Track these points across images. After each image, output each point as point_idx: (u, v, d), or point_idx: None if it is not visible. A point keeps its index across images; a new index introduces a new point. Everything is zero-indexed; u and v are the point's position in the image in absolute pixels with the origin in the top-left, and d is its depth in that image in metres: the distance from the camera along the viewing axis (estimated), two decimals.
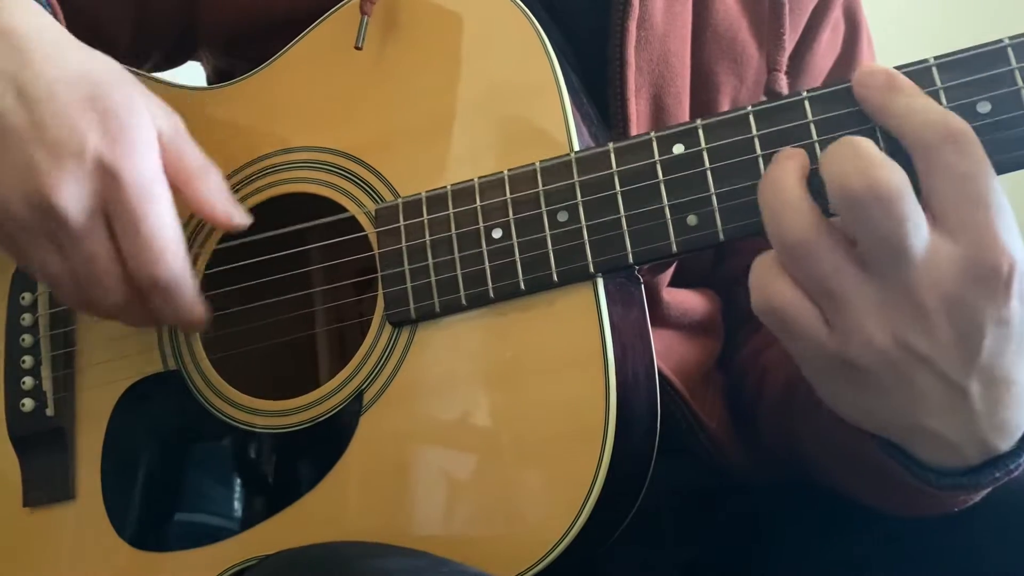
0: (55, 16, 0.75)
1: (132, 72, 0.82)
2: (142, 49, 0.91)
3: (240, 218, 0.73)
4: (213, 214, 0.72)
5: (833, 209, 0.55)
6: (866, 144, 0.54)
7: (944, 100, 0.59)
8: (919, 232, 0.53)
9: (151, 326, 0.77)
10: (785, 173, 0.57)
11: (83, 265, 0.68)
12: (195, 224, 0.79)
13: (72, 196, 0.65)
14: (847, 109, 0.60)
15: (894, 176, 0.53)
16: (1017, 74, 0.58)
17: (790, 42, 0.84)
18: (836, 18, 0.90)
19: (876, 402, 0.58)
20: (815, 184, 0.57)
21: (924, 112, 0.55)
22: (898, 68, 0.61)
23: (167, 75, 0.88)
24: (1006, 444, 0.60)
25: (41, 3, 0.74)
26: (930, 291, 0.54)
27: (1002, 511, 0.69)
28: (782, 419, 0.78)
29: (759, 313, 0.58)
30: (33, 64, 0.67)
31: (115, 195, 0.66)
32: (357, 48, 0.75)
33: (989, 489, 0.64)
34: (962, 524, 0.68)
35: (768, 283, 0.57)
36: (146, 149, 0.68)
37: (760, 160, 0.62)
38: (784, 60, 0.82)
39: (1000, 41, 0.59)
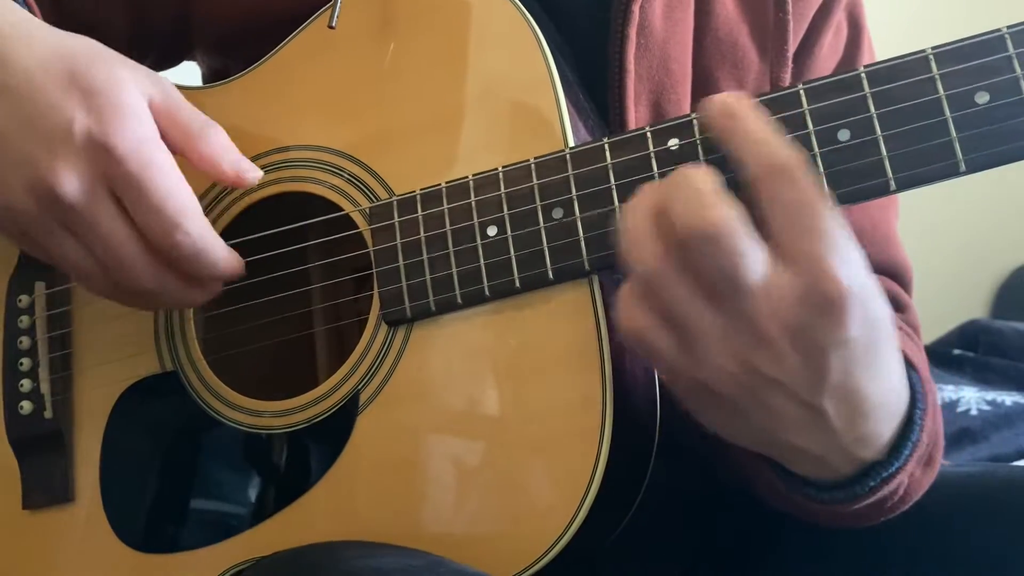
0: (30, 11, 0.75)
1: None
2: (137, 50, 0.89)
3: (251, 173, 0.72)
4: (221, 171, 0.71)
5: (675, 245, 0.57)
6: (702, 179, 0.56)
7: (941, 89, 0.58)
8: (753, 266, 0.55)
9: (192, 303, 0.74)
10: (639, 204, 0.59)
11: (103, 248, 0.67)
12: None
13: (72, 180, 0.65)
14: (841, 98, 0.59)
15: (723, 216, 0.55)
16: (1016, 62, 0.57)
17: (792, 50, 0.83)
18: (839, 20, 0.89)
19: (740, 422, 0.61)
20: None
21: (758, 145, 0.57)
22: (895, 58, 0.60)
23: (163, 75, 0.87)
24: (873, 454, 0.63)
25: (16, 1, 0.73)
26: (770, 319, 0.56)
27: (1010, 508, 0.69)
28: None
29: (624, 340, 0.61)
30: (7, 57, 0.66)
31: (114, 170, 0.65)
32: (330, 27, 0.74)
33: (895, 497, 0.66)
34: (967, 522, 0.67)
35: (629, 309, 0.59)
36: (135, 118, 0.66)
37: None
38: (787, 76, 0.82)
39: (998, 30, 0.58)
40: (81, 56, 0.67)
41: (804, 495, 0.66)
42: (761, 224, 0.56)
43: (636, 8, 0.77)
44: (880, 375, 0.59)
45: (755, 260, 0.55)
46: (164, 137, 0.68)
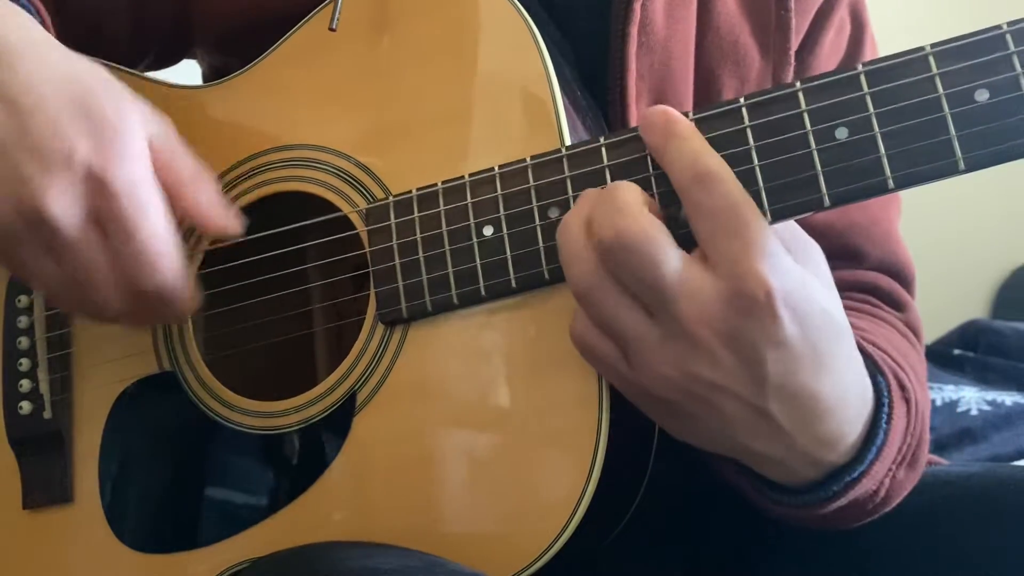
0: (42, 22, 0.75)
1: (125, 72, 0.82)
2: (138, 48, 0.90)
3: (234, 227, 0.73)
4: (206, 223, 0.72)
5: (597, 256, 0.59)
6: (622, 192, 0.59)
7: (940, 86, 0.58)
8: (671, 272, 0.57)
9: (148, 327, 0.77)
10: (571, 222, 0.61)
11: (78, 273, 0.68)
12: (188, 224, 0.78)
13: (63, 205, 0.65)
14: (840, 98, 0.59)
15: (637, 222, 0.57)
16: (1016, 59, 0.57)
17: (794, 48, 0.83)
18: (842, 18, 0.89)
19: (694, 427, 0.62)
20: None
21: (680, 156, 0.59)
22: (894, 56, 0.60)
23: (162, 74, 0.87)
24: (836, 456, 0.63)
25: (29, 10, 0.73)
26: (700, 324, 0.57)
27: (1010, 509, 0.69)
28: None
29: (577, 351, 0.63)
30: (19, 72, 0.66)
31: (106, 204, 0.66)
32: (331, 30, 0.74)
33: (876, 499, 0.66)
34: (968, 522, 0.67)
35: (576, 322, 0.62)
36: (136, 156, 0.67)
37: (753, 151, 0.61)
38: (790, 75, 0.82)
39: (998, 27, 0.57)
40: (93, 85, 0.67)
41: (775, 499, 0.66)
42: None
43: (638, 6, 0.77)
44: (831, 375, 0.59)
45: (672, 265, 0.57)
46: (158, 176, 0.69)
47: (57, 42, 0.70)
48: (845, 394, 0.61)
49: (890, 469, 0.66)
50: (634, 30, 0.77)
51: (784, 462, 0.62)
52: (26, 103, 0.65)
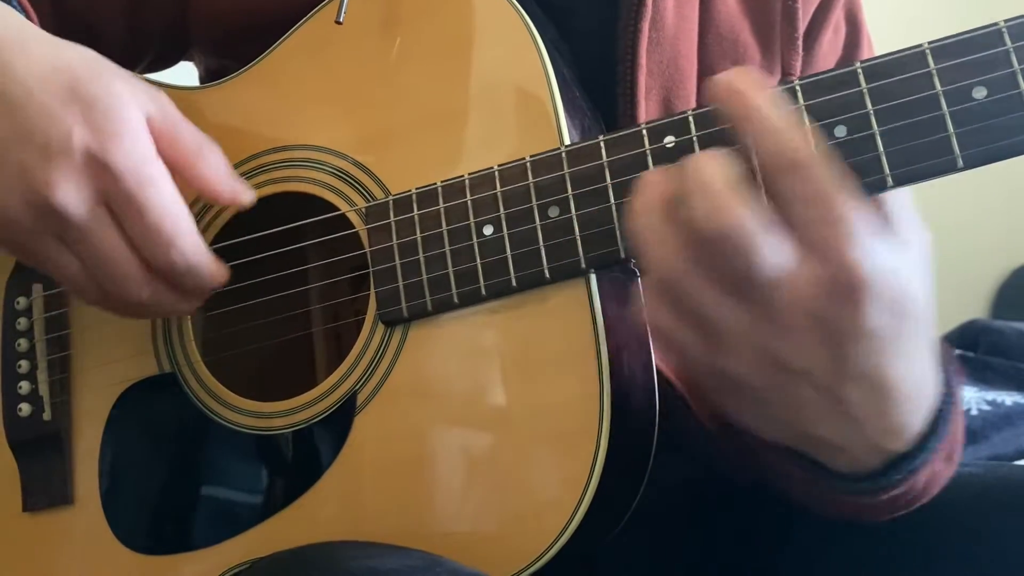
0: (27, 16, 0.74)
1: None
2: (135, 50, 0.90)
3: (246, 195, 0.72)
4: (217, 192, 0.71)
5: (691, 247, 0.56)
6: (712, 176, 0.55)
7: (938, 84, 0.58)
8: (770, 262, 0.55)
9: (182, 312, 0.75)
10: (650, 205, 0.58)
11: (97, 261, 0.67)
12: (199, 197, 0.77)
13: (69, 193, 0.65)
14: (837, 94, 0.59)
15: (736, 215, 0.54)
16: (1013, 56, 0.57)
17: (801, 37, 0.83)
18: (837, 19, 0.89)
19: (767, 413, 0.60)
20: None
21: (771, 136, 0.55)
22: (892, 53, 0.60)
23: (160, 75, 0.87)
24: (901, 445, 0.61)
25: (11, 5, 0.73)
26: (791, 310, 0.55)
27: (1010, 509, 0.68)
28: (722, 432, 0.77)
29: (651, 334, 0.61)
30: (6, 67, 0.66)
31: (111, 186, 0.65)
32: (338, 23, 0.74)
33: (914, 491, 0.65)
34: (968, 523, 0.67)
35: (651, 307, 0.59)
36: (134, 134, 0.66)
37: (752, 147, 0.61)
38: (798, 65, 0.81)
39: (995, 24, 0.57)
40: (81, 69, 0.67)
41: (829, 487, 0.64)
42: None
43: (649, 2, 0.76)
44: (911, 364, 0.59)
45: (772, 256, 0.55)
46: (161, 153, 0.68)
47: (43, 32, 0.70)
48: (920, 385, 0.60)
49: None
50: (645, 25, 0.77)
51: (848, 449, 0.61)
52: (17, 96, 0.65)
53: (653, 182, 0.58)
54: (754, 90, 0.56)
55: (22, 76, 0.66)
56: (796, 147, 0.55)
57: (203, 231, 0.77)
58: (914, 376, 0.59)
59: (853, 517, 0.68)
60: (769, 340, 0.56)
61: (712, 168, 0.55)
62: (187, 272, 0.68)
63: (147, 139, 0.67)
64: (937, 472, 0.66)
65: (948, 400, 0.63)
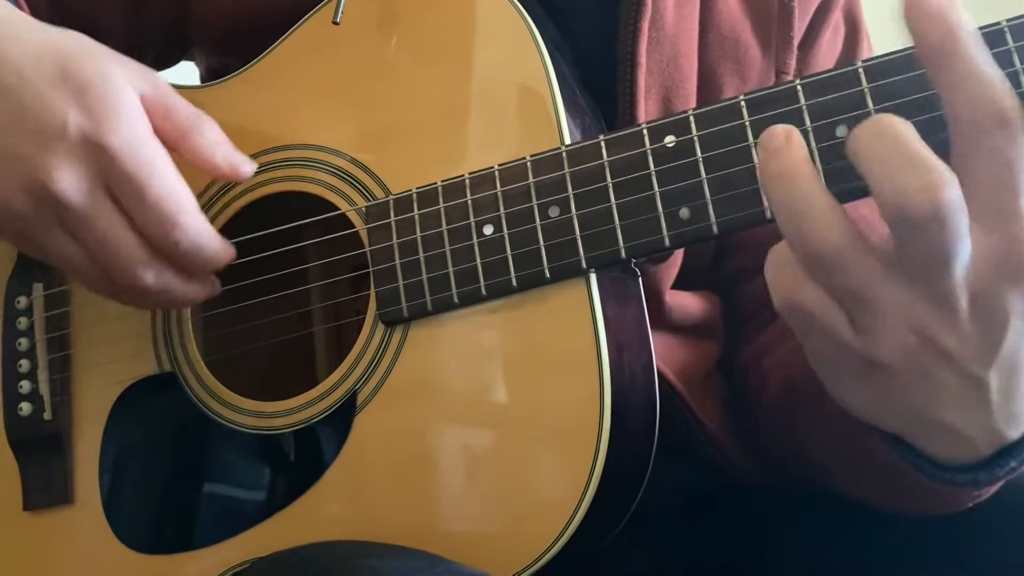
0: (17, 5, 0.74)
1: None
2: (135, 49, 0.89)
3: (245, 166, 0.72)
4: (215, 165, 0.71)
5: (883, 219, 0.51)
6: (921, 152, 0.48)
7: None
8: (966, 244, 0.50)
9: (191, 300, 0.73)
10: (797, 166, 0.51)
11: (100, 246, 0.67)
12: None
13: (67, 178, 0.64)
14: (839, 94, 0.59)
15: (954, 194, 0.48)
16: (1015, 56, 0.56)
17: (797, 38, 0.83)
18: (837, 19, 0.89)
19: (893, 399, 0.56)
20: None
21: (980, 85, 0.49)
22: (893, 52, 0.59)
23: (161, 75, 0.87)
24: (1016, 432, 0.58)
25: None
26: (962, 286, 0.51)
27: (1009, 512, 0.68)
28: (783, 420, 0.76)
29: (781, 312, 0.55)
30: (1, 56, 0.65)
31: (109, 167, 0.65)
32: (334, 23, 0.74)
33: (1003, 482, 0.62)
34: (968, 523, 0.66)
35: (792, 284, 0.53)
36: (129, 114, 0.66)
37: (752, 148, 0.61)
38: (792, 64, 0.81)
39: (997, 23, 0.57)
40: (72, 52, 0.67)
41: (934, 477, 0.59)
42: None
43: (649, 1, 0.76)
44: None
45: (968, 238, 0.50)
46: (157, 132, 0.68)
47: (33, 19, 0.70)
48: None
49: None
50: (645, 25, 0.76)
51: (971, 438, 0.57)
52: (9, 83, 0.65)
53: (792, 137, 0.52)
54: (965, 22, 0.49)
55: (13, 62, 0.65)
56: (1008, 100, 0.49)
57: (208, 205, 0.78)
58: None
59: (924, 510, 0.65)
60: (926, 319, 0.52)
61: (905, 130, 0.49)
62: (192, 251, 0.68)
63: (143, 119, 0.67)
64: None
65: None
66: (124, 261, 0.67)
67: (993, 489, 0.63)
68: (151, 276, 0.68)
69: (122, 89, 0.66)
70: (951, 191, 0.48)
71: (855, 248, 0.51)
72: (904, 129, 0.49)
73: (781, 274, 0.54)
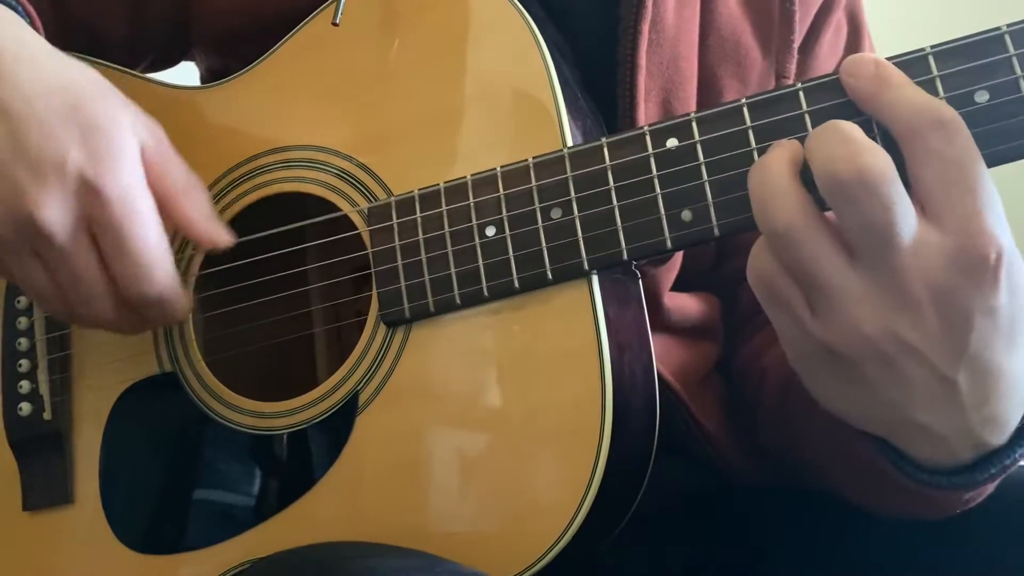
0: (32, 24, 0.74)
1: (125, 72, 0.82)
2: (137, 49, 0.90)
3: (223, 239, 0.73)
4: (197, 234, 0.72)
5: (821, 194, 0.55)
6: (852, 128, 0.54)
7: (941, 89, 0.58)
8: (906, 219, 0.53)
9: (140, 333, 0.76)
10: (774, 160, 0.57)
11: (71, 282, 0.68)
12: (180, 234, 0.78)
13: (56, 213, 0.65)
14: (842, 99, 0.59)
15: (879, 160, 0.53)
16: (1015, 61, 0.57)
17: (797, 42, 0.83)
18: (839, 20, 0.89)
19: (862, 394, 0.58)
20: (808, 177, 0.56)
21: (911, 101, 0.55)
22: (894, 57, 0.60)
23: (161, 75, 0.87)
24: (997, 439, 0.59)
25: (18, 12, 0.73)
26: (918, 280, 0.53)
27: (1007, 512, 0.68)
28: (780, 421, 0.77)
29: (750, 283, 0.59)
30: (10, 78, 0.65)
31: (99, 212, 0.66)
32: (334, 24, 0.74)
33: (989, 489, 0.63)
34: (967, 524, 0.67)
35: (759, 261, 0.57)
36: (129, 164, 0.67)
37: (755, 153, 0.61)
38: (792, 67, 0.81)
39: (997, 29, 0.58)
40: (85, 90, 0.67)
41: (915, 479, 0.61)
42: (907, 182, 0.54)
43: (650, 3, 0.76)
44: (1020, 353, 0.56)
45: (908, 211, 0.53)
46: (150, 185, 0.68)
47: (51, 47, 0.70)
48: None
49: None
50: (645, 27, 0.77)
51: (948, 439, 0.58)
52: (19, 111, 0.65)
53: (783, 143, 0.58)
54: (880, 64, 0.57)
55: (25, 89, 0.65)
56: (940, 105, 0.54)
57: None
58: (1020, 366, 0.57)
59: (921, 513, 0.66)
60: (886, 310, 0.54)
61: (846, 123, 0.55)
62: (156, 305, 0.69)
63: (140, 170, 0.68)
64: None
65: None
66: (90, 299, 0.69)
67: (985, 493, 0.64)
68: (112, 316, 0.70)
69: (127, 137, 0.67)
70: (872, 157, 0.52)
71: (807, 226, 0.54)
72: (844, 123, 0.55)
73: (755, 252, 0.58)
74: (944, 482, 0.60)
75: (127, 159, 0.67)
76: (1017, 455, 0.60)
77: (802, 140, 0.59)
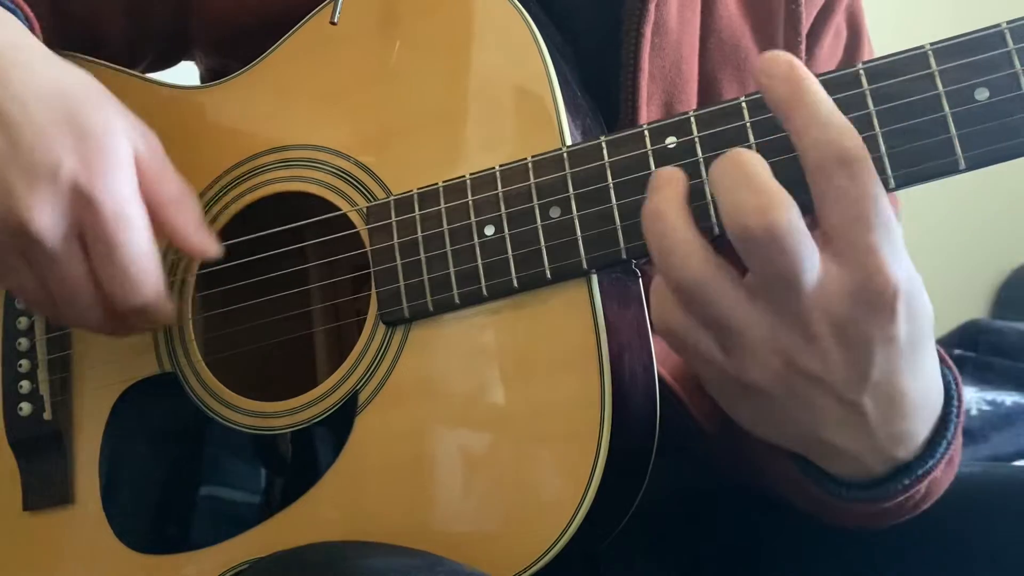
0: (31, 27, 0.74)
1: (124, 72, 0.82)
2: (136, 49, 0.90)
3: (212, 249, 0.73)
4: (187, 245, 0.72)
5: (728, 237, 0.55)
6: (759, 170, 0.53)
7: (940, 85, 0.58)
8: (812, 266, 0.54)
9: (126, 336, 0.76)
10: (669, 208, 0.56)
11: (58, 288, 0.68)
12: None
13: (47, 219, 0.65)
14: (841, 95, 0.59)
15: (788, 214, 0.52)
16: (1015, 58, 0.57)
17: (804, 42, 0.83)
18: (839, 23, 0.89)
19: (776, 419, 0.60)
20: (699, 206, 0.58)
21: (822, 128, 0.54)
22: (894, 55, 0.60)
23: (161, 75, 0.87)
24: (907, 453, 0.62)
25: (16, 15, 0.73)
26: (820, 316, 0.55)
27: (1000, 508, 0.68)
28: (724, 437, 0.77)
29: (659, 333, 0.59)
30: (6, 83, 0.65)
31: (90, 220, 0.66)
32: (332, 23, 0.74)
33: (916, 497, 0.65)
34: (966, 524, 0.67)
35: (663, 308, 0.58)
36: (122, 172, 0.67)
37: (754, 149, 0.61)
38: None
39: (997, 25, 0.57)
40: (81, 97, 0.67)
41: (833, 494, 0.64)
42: (806, 208, 0.54)
43: (652, 6, 0.76)
44: (920, 373, 0.59)
45: (812, 257, 0.54)
46: (143, 193, 0.69)
47: (49, 52, 0.70)
48: (927, 392, 0.61)
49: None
50: (648, 30, 0.76)
51: (859, 457, 0.61)
52: (14, 115, 0.65)
53: (671, 179, 0.57)
54: (794, 65, 0.55)
55: (21, 94, 0.65)
56: (848, 140, 0.54)
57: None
58: (923, 385, 0.60)
59: (855, 525, 0.68)
60: (790, 346, 0.56)
61: (751, 160, 0.53)
62: (143, 314, 0.70)
63: (133, 179, 0.68)
64: (938, 478, 0.66)
65: (953, 406, 0.63)
66: (77, 304, 0.69)
67: (921, 498, 0.66)
68: (96, 319, 0.70)
69: (121, 145, 0.67)
70: (782, 212, 0.52)
71: (716, 280, 0.55)
72: (750, 159, 0.53)
73: (657, 298, 0.58)
74: (861, 495, 0.63)
75: (120, 167, 0.67)
76: (929, 466, 0.63)
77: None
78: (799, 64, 0.55)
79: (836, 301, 0.54)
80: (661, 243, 0.56)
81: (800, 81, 0.54)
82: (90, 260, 0.67)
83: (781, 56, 0.55)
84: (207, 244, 0.73)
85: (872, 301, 0.54)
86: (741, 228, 0.53)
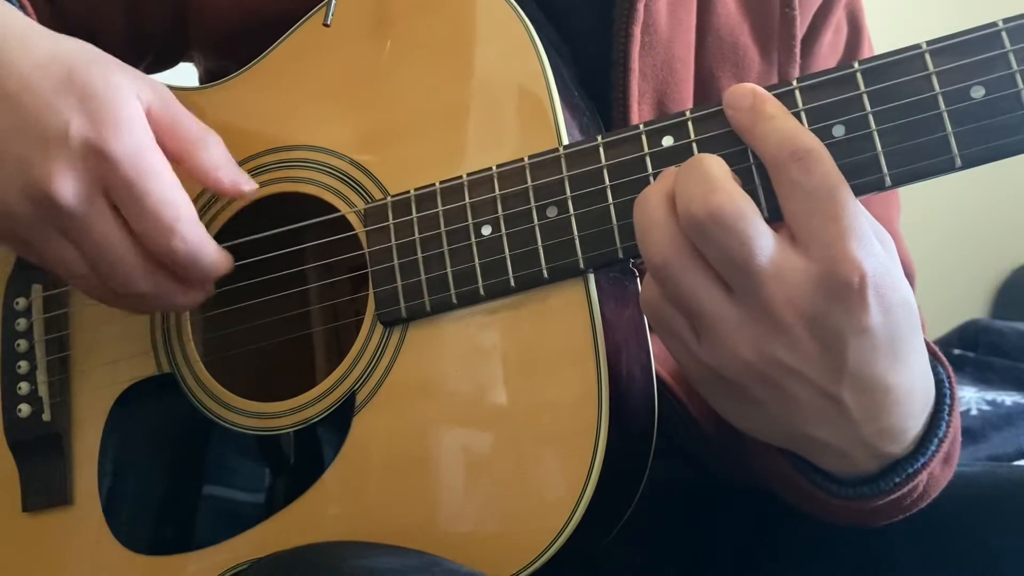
0: (25, 12, 0.74)
1: None
2: (135, 51, 0.90)
3: (247, 184, 0.72)
4: (219, 183, 0.71)
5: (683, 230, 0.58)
6: (712, 165, 0.57)
7: (936, 84, 0.58)
8: (763, 250, 0.55)
9: (187, 305, 0.73)
10: (653, 192, 0.59)
11: (98, 253, 0.67)
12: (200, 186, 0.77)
13: (68, 184, 0.64)
14: (837, 97, 0.59)
15: (733, 199, 0.55)
16: (1011, 56, 0.57)
17: (799, 46, 0.83)
18: (839, 20, 0.89)
19: (757, 413, 0.60)
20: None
21: (775, 133, 0.58)
22: (889, 53, 0.60)
23: (161, 75, 0.87)
24: (897, 449, 0.62)
25: (13, 4, 0.73)
26: (786, 307, 0.56)
27: (1000, 508, 0.68)
28: (724, 434, 0.77)
29: (643, 310, 0.62)
30: (2, 59, 0.65)
31: (110, 175, 0.65)
32: (325, 25, 0.74)
33: (912, 495, 0.65)
34: (966, 524, 0.67)
35: (647, 290, 0.61)
36: (132, 123, 0.66)
37: (750, 150, 0.61)
38: (796, 72, 0.81)
39: (994, 24, 0.58)
40: (78, 59, 0.67)
41: (826, 491, 0.64)
42: (777, 212, 0.56)
43: (641, 6, 0.76)
44: (904, 367, 0.59)
45: (765, 244, 0.55)
46: (161, 145, 0.68)
47: (39, 26, 0.70)
48: (913, 387, 0.61)
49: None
50: (637, 30, 0.77)
51: (847, 453, 0.61)
52: (13, 87, 0.65)
53: (667, 173, 0.60)
54: (757, 93, 0.59)
55: (19, 67, 0.65)
56: (800, 137, 0.56)
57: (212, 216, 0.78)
58: (908, 379, 0.59)
59: (850, 522, 0.68)
60: (761, 336, 0.56)
61: (709, 159, 0.57)
62: (189, 260, 0.68)
63: (145, 128, 0.67)
64: (935, 475, 0.66)
65: (946, 403, 0.63)
66: (121, 268, 0.68)
67: (919, 495, 0.66)
68: (148, 283, 0.69)
69: (126, 98, 0.67)
70: (723, 196, 0.55)
71: (681, 260, 0.57)
72: (709, 159, 0.58)
73: (645, 280, 0.61)
74: (852, 492, 0.63)
75: (130, 120, 0.66)
76: (920, 463, 0.63)
77: None
78: (760, 92, 0.60)
79: (802, 292, 0.55)
80: (640, 224, 0.59)
81: (762, 104, 0.59)
82: (122, 217, 0.66)
83: (745, 89, 0.60)
84: (239, 179, 0.72)
85: (839, 291, 0.55)
86: (688, 217, 0.56)
